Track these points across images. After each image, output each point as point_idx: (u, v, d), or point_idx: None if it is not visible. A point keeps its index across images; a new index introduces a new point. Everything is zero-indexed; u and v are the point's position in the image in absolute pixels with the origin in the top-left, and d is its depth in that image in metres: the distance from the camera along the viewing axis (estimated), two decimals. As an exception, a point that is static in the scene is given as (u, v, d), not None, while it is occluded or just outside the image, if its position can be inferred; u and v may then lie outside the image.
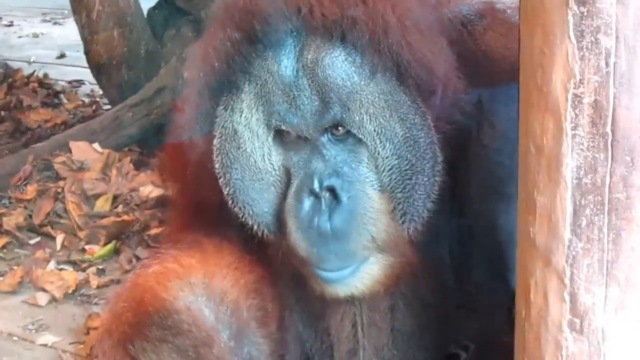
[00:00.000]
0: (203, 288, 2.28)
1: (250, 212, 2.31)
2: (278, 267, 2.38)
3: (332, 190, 2.18)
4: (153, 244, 3.92)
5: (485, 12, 2.39)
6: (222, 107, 2.29)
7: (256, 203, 2.31)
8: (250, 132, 2.27)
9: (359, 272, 2.23)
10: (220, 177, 2.32)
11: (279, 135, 2.27)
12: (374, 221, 2.20)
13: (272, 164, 2.29)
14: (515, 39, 1.72)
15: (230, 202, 2.32)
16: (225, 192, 2.32)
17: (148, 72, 5.47)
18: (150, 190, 4.57)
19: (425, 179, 2.19)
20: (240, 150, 2.29)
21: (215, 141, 2.32)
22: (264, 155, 2.28)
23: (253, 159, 2.29)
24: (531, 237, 1.61)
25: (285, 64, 2.19)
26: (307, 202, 2.18)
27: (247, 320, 2.31)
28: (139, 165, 4.92)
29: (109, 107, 5.79)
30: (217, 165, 2.32)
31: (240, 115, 2.27)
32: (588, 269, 1.55)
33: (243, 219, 2.33)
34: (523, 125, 1.62)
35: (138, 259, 4.00)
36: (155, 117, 5.14)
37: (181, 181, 2.65)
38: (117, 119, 5.25)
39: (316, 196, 2.18)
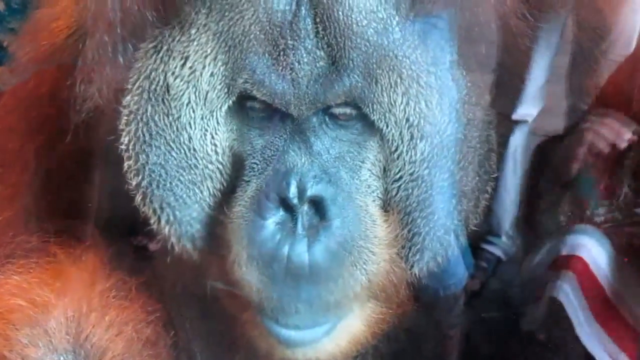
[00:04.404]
0: (68, 341, 1.43)
1: (171, 218, 1.48)
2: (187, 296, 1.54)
3: (317, 204, 1.37)
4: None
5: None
6: (150, 45, 1.45)
7: (181, 204, 1.48)
8: (195, 92, 1.42)
9: (336, 330, 1.44)
10: (128, 159, 1.47)
11: (240, 105, 1.43)
12: (374, 257, 1.41)
13: (214, 144, 1.46)
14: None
15: (140, 199, 1.48)
16: (134, 184, 1.48)
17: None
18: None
19: (470, 204, 1.44)
20: (171, 118, 1.44)
21: (127, 99, 1.46)
22: (206, 130, 1.45)
23: (187, 135, 1.45)
24: None
25: None
26: (273, 218, 1.37)
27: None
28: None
29: None
30: (125, 140, 1.47)
31: (183, 64, 1.42)
32: None
33: (156, 227, 1.49)
34: None
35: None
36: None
37: (26, 139, 1.69)
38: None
39: (290, 210, 1.37)
